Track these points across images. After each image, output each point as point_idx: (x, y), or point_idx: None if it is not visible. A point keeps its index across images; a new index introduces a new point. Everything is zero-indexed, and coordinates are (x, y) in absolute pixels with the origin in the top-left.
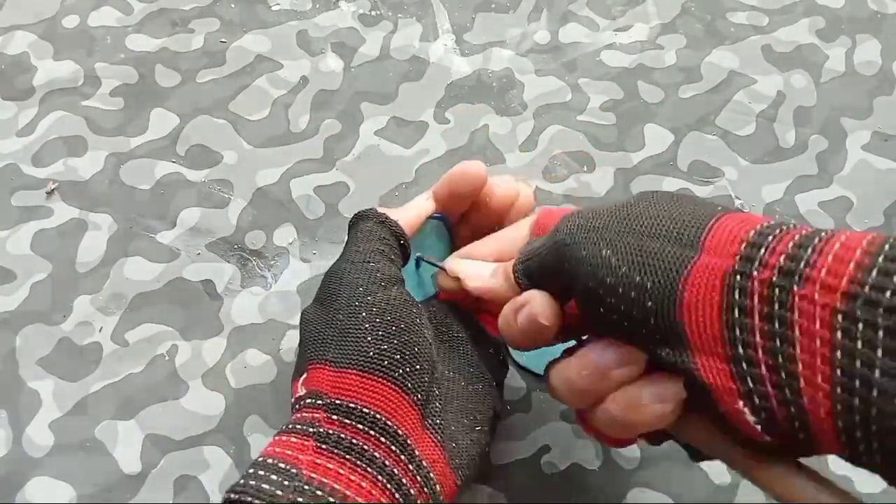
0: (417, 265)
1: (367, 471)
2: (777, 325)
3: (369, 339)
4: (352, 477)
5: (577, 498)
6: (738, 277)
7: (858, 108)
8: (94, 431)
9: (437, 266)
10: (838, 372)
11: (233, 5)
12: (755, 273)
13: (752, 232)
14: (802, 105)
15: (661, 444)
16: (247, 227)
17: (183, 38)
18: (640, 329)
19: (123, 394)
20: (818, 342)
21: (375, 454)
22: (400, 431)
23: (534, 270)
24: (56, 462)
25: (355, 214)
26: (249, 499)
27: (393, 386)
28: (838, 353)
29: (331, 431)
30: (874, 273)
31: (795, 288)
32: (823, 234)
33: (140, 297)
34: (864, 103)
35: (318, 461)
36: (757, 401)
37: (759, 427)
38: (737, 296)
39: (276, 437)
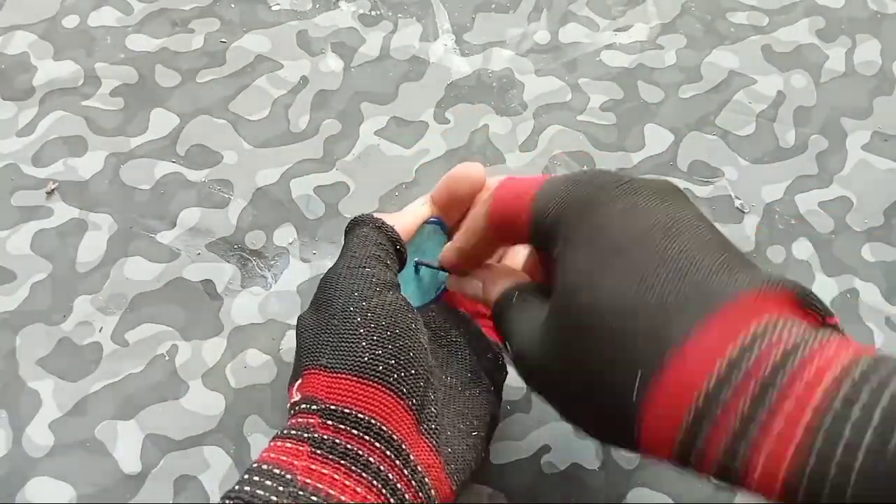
0: (416, 270)
1: (361, 476)
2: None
3: (364, 344)
4: (346, 482)
5: (576, 498)
6: (686, 445)
7: (858, 108)
8: (94, 431)
9: (435, 268)
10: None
11: (233, 5)
12: (701, 445)
13: (699, 394)
14: (802, 105)
15: None
16: (247, 227)
17: (183, 38)
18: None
19: (123, 394)
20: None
21: (370, 459)
22: (395, 436)
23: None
24: (56, 462)
25: (352, 220)
26: None
27: (388, 391)
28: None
29: (325, 437)
30: (808, 472)
31: (735, 476)
32: (769, 396)
33: (140, 297)
34: (864, 103)
35: (312, 467)
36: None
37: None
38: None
39: (272, 443)
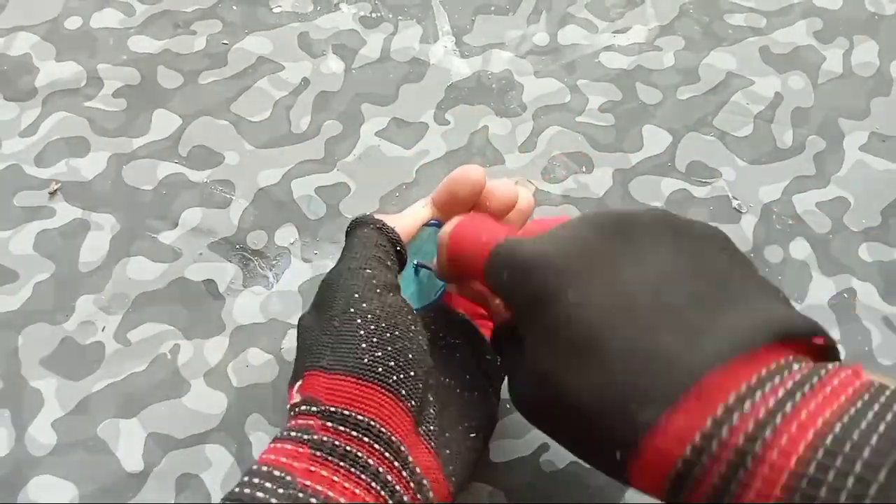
0: (416, 272)
1: (360, 478)
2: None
3: (364, 346)
4: (346, 484)
5: (576, 497)
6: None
7: (856, 109)
8: (97, 430)
9: (434, 271)
10: None
11: (234, 7)
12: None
13: (687, 449)
14: (800, 106)
15: None
16: (248, 227)
17: (185, 39)
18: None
19: (125, 393)
20: None
21: (369, 461)
22: (394, 438)
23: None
24: (58, 461)
25: (352, 221)
26: None
27: (387, 393)
28: None
29: (325, 439)
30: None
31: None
32: (758, 442)
33: (142, 297)
34: (862, 104)
35: (312, 469)
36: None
37: None
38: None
39: (271, 445)
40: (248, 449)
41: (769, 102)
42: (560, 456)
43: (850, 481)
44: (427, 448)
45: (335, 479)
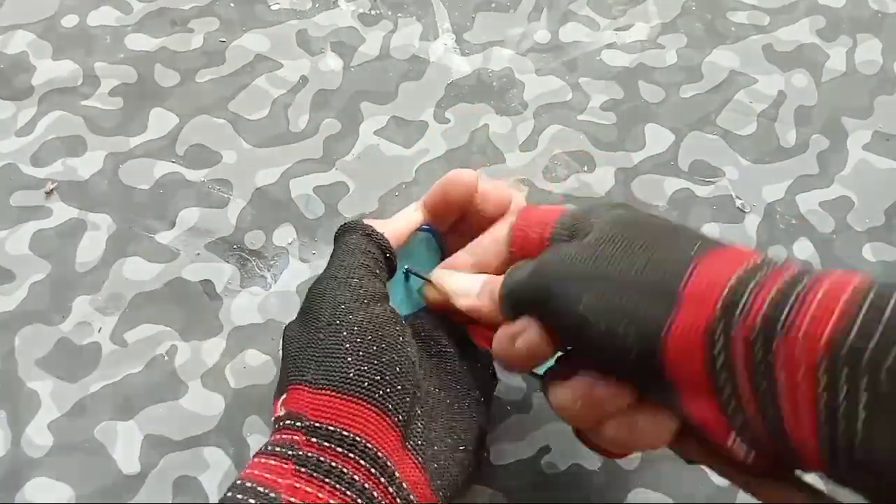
0: (406, 277)
1: (346, 494)
2: (762, 376)
3: (349, 359)
4: (331, 501)
5: (577, 499)
6: (720, 330)
7: (859, 107)
8: (94, 432)
9: (424, 279)
10: (822, 422)
11: (232, 5)
12: (735, 329)
13: (733, 278)
14: (803, 105)
15: None
16: (246, 227)
17: (182, 37)
18: (627, 374)
19: (122, 394)
20: (801, 393)
21: (355, 477)
22: (380, 454)
23: (518, 305)
24: (55, 462)
25: (341, 226)
26: None
27: (373, 408)
28: (821, 405)
29: (310, 454)
30: (857, 326)
31: (777, 342)
32: (807, 279)
33: (139, 298)
34: (865, 103)
35: (297, 485)
36: (748, 438)
37: (751, 457)
38: (718, 352)
39: (255, 459)
40: (245, 451)
41: (772, 101)
42: (561, 458)
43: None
44: (414, 463)
45: (320, 495)
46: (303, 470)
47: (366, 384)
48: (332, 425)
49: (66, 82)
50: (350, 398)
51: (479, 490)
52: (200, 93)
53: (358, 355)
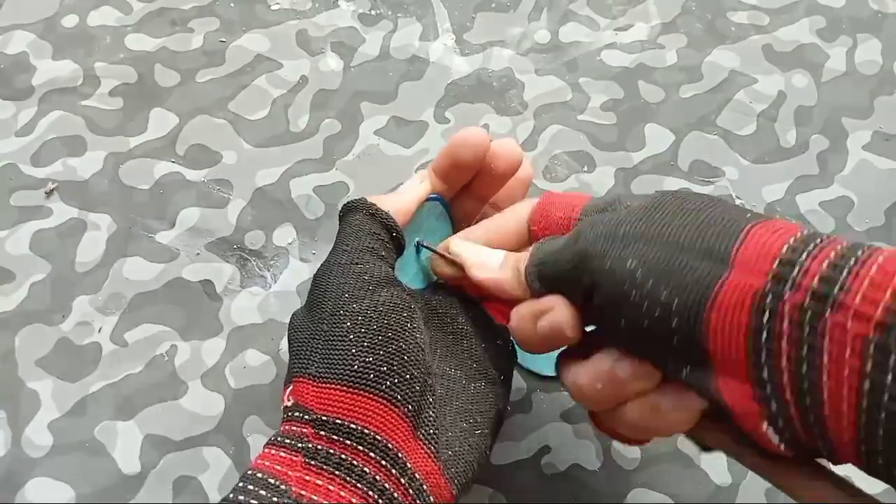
0: (418, 251)
1: (356, 486)
2: (806, 350)
3: (354, 351)
4: (342, 493)
5: (577, 498)
6: (769, 299)
7: (859, 107)
8: (94, 432)
9: (436, 252)
10: (864, 402)
11: (232, 5)
12: (787, 295)
13: (786, 247)
14: (803, 105)
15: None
16: (246, 226)
17: (182, 37)
18: (661, 346)
19: (123, 394)
20: (847, 371)
21: (365, 469)
22: (390, 445)
23: (549, 276)
24: (55, 462)
25: (345, 205)
26: None
27: (381, 400)
28: (867, 384)
29: (319, 447)
30: None
31: (828, 313)
32: (860, 252)
33: (139, 298)
34: (865, 103)
35: (307, 478)
36: (781, 423)
37: (781, 446)
38: (766, 319)
39: (266, 450)
40: (245, 451)
41: (772, 101)
42: (561, 458)
43: None
44: (426, 452)
45: (331, 487)
46: (312, 463)
47: (371, 376)
48: (339, 418)
49: (66, 82)
50: (356, 391)
51: (479, 490)
52: (200, 93)
53: (362, 346)
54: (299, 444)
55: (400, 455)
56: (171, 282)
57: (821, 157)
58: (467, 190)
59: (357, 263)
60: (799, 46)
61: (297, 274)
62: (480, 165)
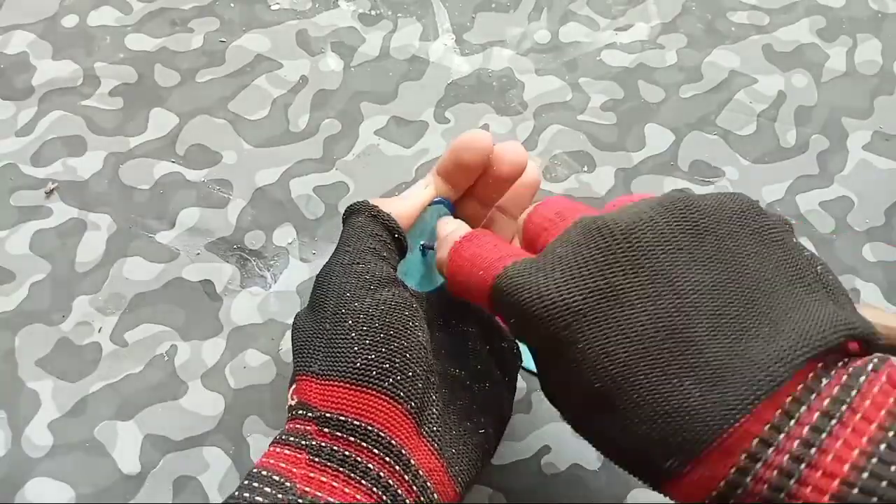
0: (423, 254)
1: (361, 483)
2: None
3: (356, 348)
4: (346, 490)
5: (577, 499)
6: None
7: (859, 107)
8: (94, 432)
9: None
10: None
11: (232, 5)
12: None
13: (755, 441)
14: (803, 105)
15: None
16: (246, 226)
17: (182, 37)
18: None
19: (123, 394)
20: None
21: (369, 466)
22: (394, 442)
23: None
24: (55, 462)
25: (348, 207)
26: None
27: (384, 397)
28: None
29: (323, 444)
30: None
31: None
32: (824, 435)
33: (139, 298)
34: (865, 103)
35: (311, 475)
36: None
37: None
38: None
39: (270, 448)
40: (245, 451)
41: (772, 101)
42: (561, 458)
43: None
44: (430, 450)
45: (335, 484)
46: (316, 460)
47: (374, 374)
48: (343, 415)
49: (66, 82)
50: (359, 388)
51: (479, 490)
52: (200, 93)
53: (365, 344)
54: (303, 442)
55: (403, 452)
56: (171, 282)
57: (821, 157)
58: (472, 193)
59: (359, 263)
60: (799, 46)
61: (297, 274)
62: (484, 168)
